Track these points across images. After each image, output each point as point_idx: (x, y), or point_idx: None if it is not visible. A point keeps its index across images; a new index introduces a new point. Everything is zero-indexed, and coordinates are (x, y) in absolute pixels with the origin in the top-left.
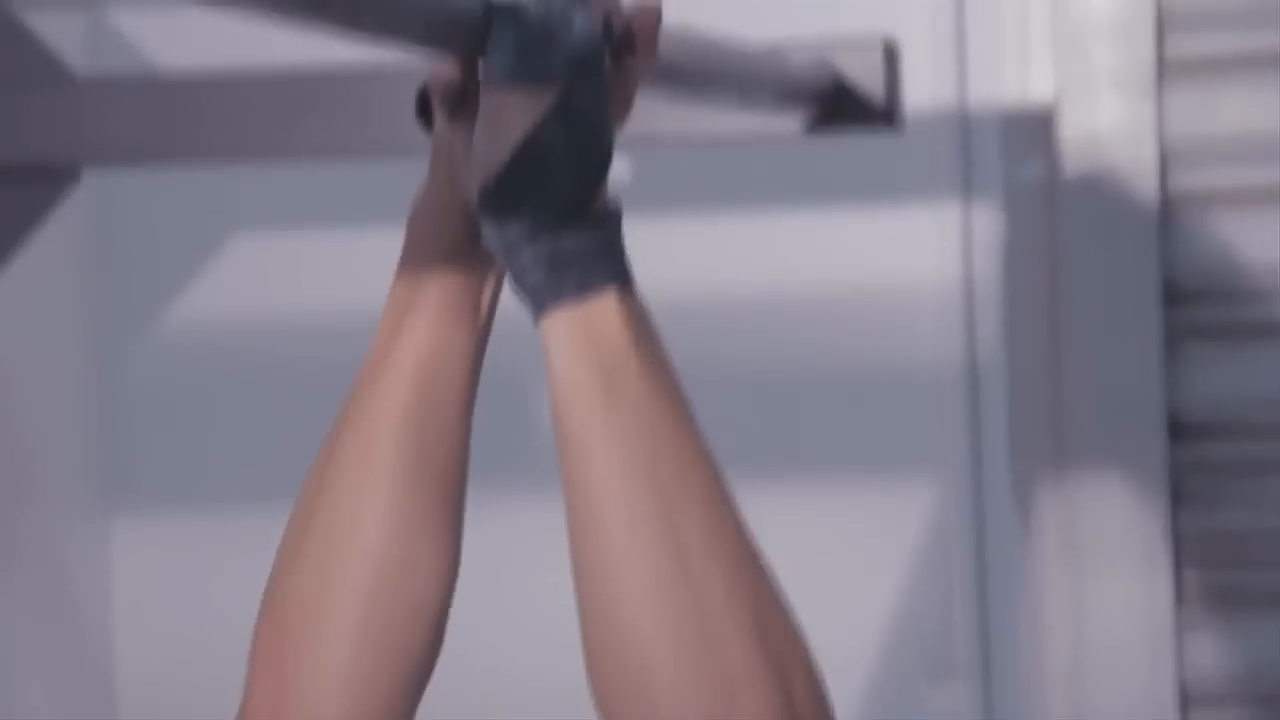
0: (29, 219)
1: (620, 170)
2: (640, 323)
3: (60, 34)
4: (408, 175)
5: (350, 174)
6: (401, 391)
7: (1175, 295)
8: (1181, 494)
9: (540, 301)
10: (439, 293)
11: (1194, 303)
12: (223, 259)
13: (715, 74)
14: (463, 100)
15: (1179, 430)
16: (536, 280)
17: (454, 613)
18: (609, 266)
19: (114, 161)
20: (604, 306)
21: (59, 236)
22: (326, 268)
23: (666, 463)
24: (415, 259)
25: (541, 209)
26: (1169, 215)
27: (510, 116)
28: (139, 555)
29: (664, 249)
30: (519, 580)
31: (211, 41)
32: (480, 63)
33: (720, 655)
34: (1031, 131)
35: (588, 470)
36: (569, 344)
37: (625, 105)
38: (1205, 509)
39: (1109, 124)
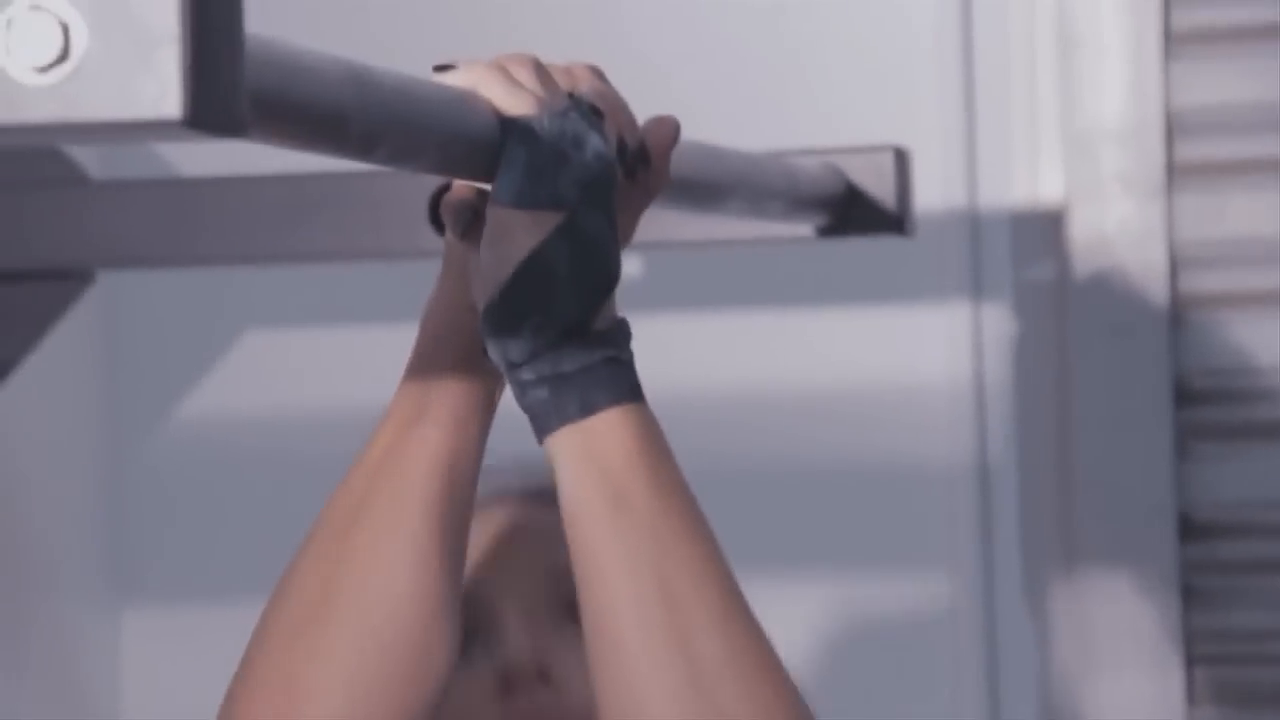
0: (44, 318)
1: (631, 269)
2: (647, 438)
3: None
4: (416, 275)
5: (360, 272)
6: (426, 485)
7: (1186, 395)
8: (1192, 592)
9: (544, 422)
10: (453, 395)
11: (1204, 403)
12: (233, 356)
13: (727, 184)
14: (475, 220)
15: (1189, 529)
16: (539, 401)
17: None
18: (613, 385)
19: (127, 263)
20: (608, 426)
21: (72, 335)
22: (335, 365)
23: (678, 579)
24: (428, 360)
25: (543, 329)
26: (1179, 316)
27: (514, 237)
28: (149, 648)
29: (675, 348)
30: None
31: (223, 144)
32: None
33: None
34: (1041, 233)
35: (601, 588)
36: (574, 464)
37: (634, 219)
38: (1216, 607)
39: (1119, 226)
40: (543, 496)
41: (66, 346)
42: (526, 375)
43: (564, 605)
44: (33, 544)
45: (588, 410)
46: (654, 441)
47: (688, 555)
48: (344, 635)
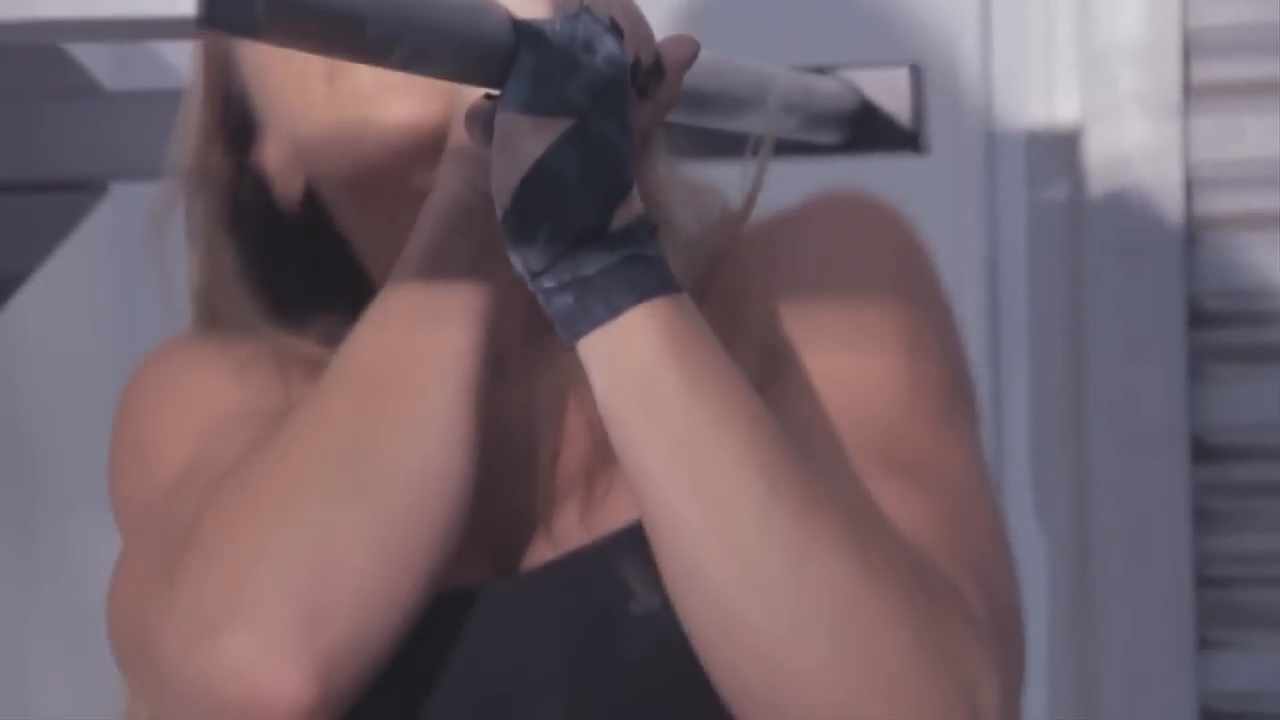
0: (57, 230)
1: None
2: (677, 331)
3: (90, 47)
4: None
5: None
6: (461, 367)
7: (1199, 317)
8: (1204, 515)
9: (572, 329)
10: (460, 297)
11: (1218, 325)
12: None
13: (741, 98)
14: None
15: (1202, 452)
16: (564, 307)
17: None
18: (637, 282)
19: (141, 175)
20: (633, 325)
21: (85, 246)
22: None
23: (712, 469)
24: (427, 259)
25: (558, 236)
26: (1194, 238)
27: (521, 144)
28: None
29: None
30: None
31: None
32: None
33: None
34: (1056, 153)
35: (643, 487)
36: (604, 366)
37: (649, 131)
38: (1228, 530)
39: (1134, 146)
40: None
41: (80, 258)
42: (548, 283)
43: None
44: (44, 459)
45: (614, 310)
46: (685, 333)
47: (722, 443)
48: (385, 505)
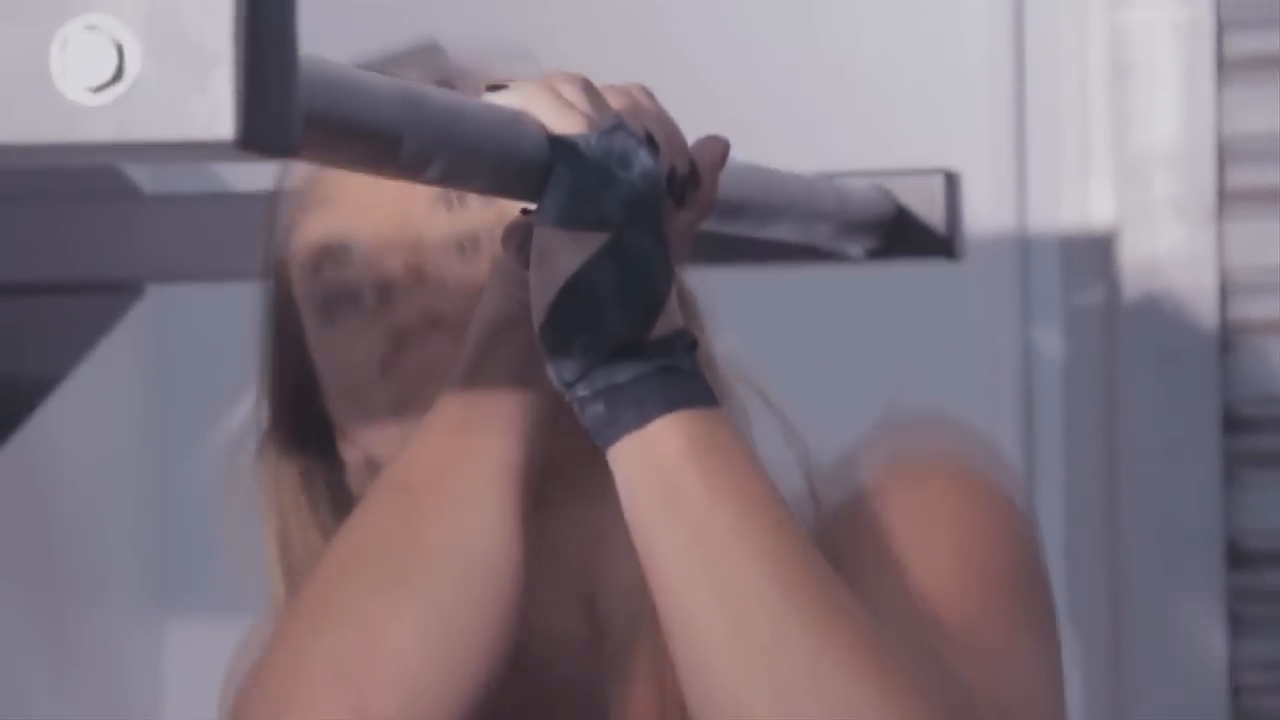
0: (93, 331)
1: None
2: (703, 438)
3: None
4: None
5: None
6: (503, 466)
7: (1234, 423)
8: (1239, 620)
9: (604, 436)
10: (511, 405)
11: (1253, 431)
12: None
13: (776, 205)
14: (529, 240)
15: (1237, 557)
16: (596, 415)
17: None
18: (669, 393)
19: (177, 277)
20: (661, 433)
21: (121, 348)
22: None
23: (731, 566)
24: (476, 372)
25: (593, 347)
26: (1229, 343)
27: (558, 258)
28: (192, 662)
29: None
30: None
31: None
32: None
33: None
34: (1092, 257)
35: (661, 588)
36: (631, 470)
37: (685, 243)
38: (1263, 636)
39: (1169, 251)
40: None
41: (115, 359)
42: (582, 391)
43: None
44: (78, 556)
45: (644, 419)
46: (711, 440)
47: (739, 544)
48: (428, 592)
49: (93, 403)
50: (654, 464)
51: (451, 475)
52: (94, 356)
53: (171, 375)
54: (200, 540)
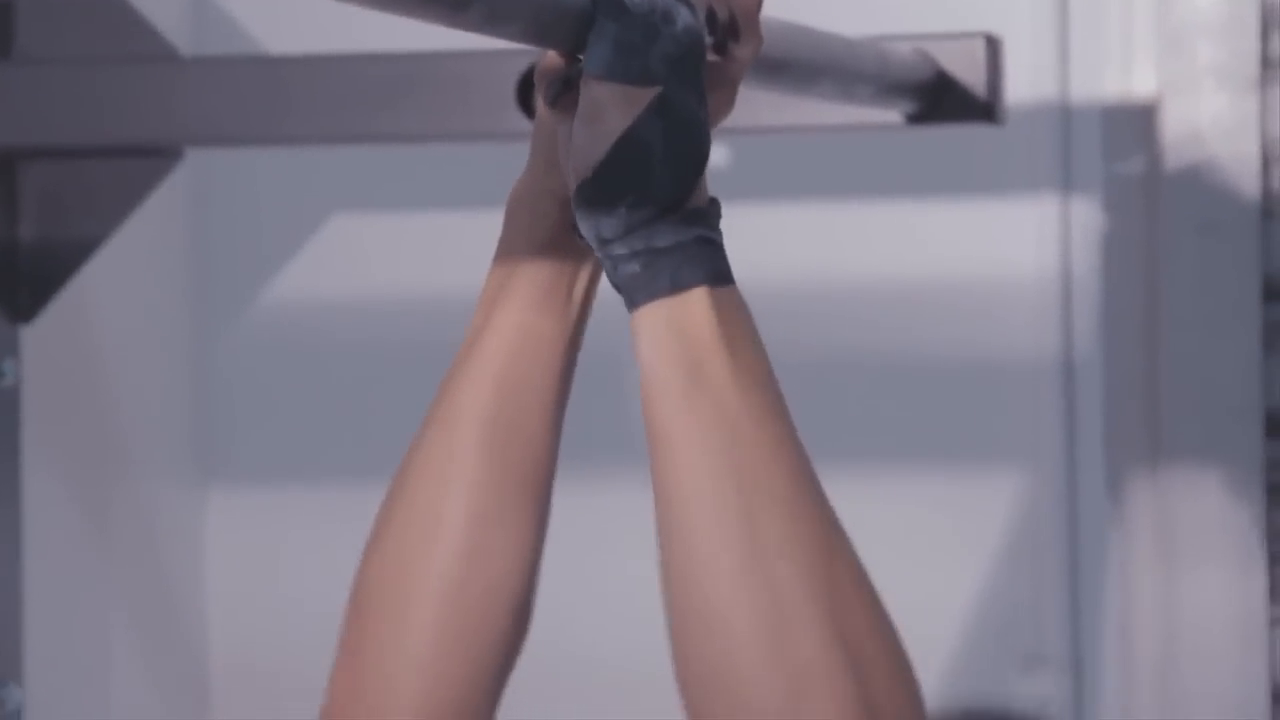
0: (132, 195)
1: (719, 157)
2: (732, 319)
3: (167, 14)
4: (508, 159)
5: (450, 156)
6: (486, 380)
7: (1275, 292)
8: (1277, 489)
9: (633, 296)
10: (530, 281)
11: None
12: (321, 238)
13: (818, 65)
14: (566, 91)
15: (1276, 426)
16: (631, 275)
17: (541, 598)
18: (704, 264)
19: (217, 142)
20: (694, 303)
21: (161, 213)
22: (426, 249)
23: (747, 456)
24: (511, 245)
25: (637, 206)
26: (1270, 212)
27: (608, 113)
28: (233, 528)
29: (762, 237)
30: (611, 566)
31: (315, 23)
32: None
33: (793, 649)
34: (1133, 127)
35: (671, 461)
36: (657, 338)
37: (729, 96)
38: None
39: (1211, 120)
40: None
41: (155, 224)
42: (619, 250)
43: None
44: (119, 424)
45: (678, 286)
46: (740, 324)
47: (760, 433)
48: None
49: (134, 267)
50: (683, 334)
51: (424, 459)
52: (135, 220)
53: (211, 239)
54: (241, 409)
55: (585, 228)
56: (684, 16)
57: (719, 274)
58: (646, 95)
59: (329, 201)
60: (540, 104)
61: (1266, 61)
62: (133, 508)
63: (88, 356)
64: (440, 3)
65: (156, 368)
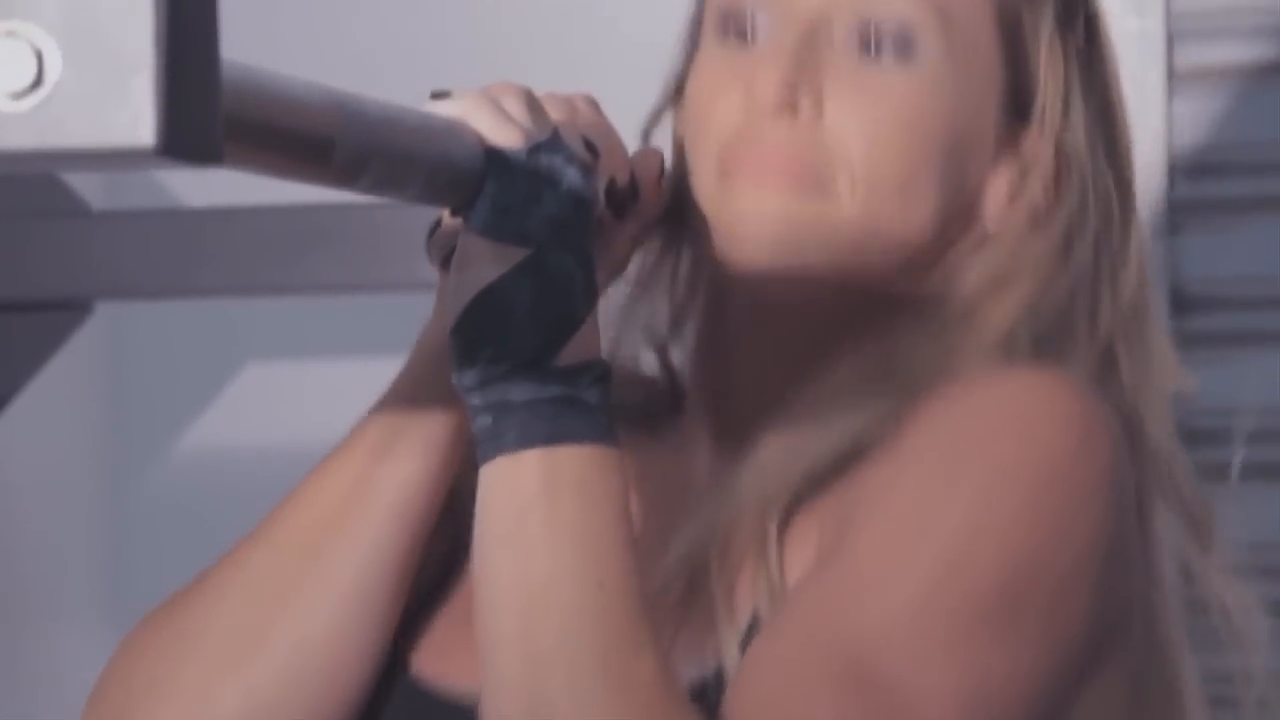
0: (43, 349)
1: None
2: (570, 482)
3: None
4: (417, 307)
5: (364, 305)
6: (364, 541)
7: (1184, 304)
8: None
9: (483, 449)
10: (430, 425)
11: (1201, 311)
12: (234, 388)
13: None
14: (455, 248)
15: (1189, 437)
16: (483, 427)
17: None
18: (556, 424)
19: (128, 294)
20: (530, 466)
21: (72, 365)
22: (337, 397)
23: (537, 629)
24: (408, 390)
25: (495, 360)
26: (1177, 225)
27: (475, 266)
28: None
29: None
30: None
31: (226, 175)
32: None
33: None
34: None
35: (478, 611)
36: (488, 494)
37: (628, 253)
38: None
39: None
40: None
41: (66, 377)
42: (476, 400)
43: None
44: (31, 575)
45: (524, 443)
46: (577, 483)
47: (552, 603)
48: (273, 676)
49: (44, 421)
50: (510, 494)
51: (329, 554)
52: (45, 374)
53: (123, 393)
54: (154, 559)
55: (454, 376)
56: (570, 178)
57: (571, 435)
58: (518, 254)
59: (241, 351)
60: (435, 261)
61: (1171, 71)
62: (46, 659)
63: (0, 507)
64: (333, 172)
65: (70, 517)
